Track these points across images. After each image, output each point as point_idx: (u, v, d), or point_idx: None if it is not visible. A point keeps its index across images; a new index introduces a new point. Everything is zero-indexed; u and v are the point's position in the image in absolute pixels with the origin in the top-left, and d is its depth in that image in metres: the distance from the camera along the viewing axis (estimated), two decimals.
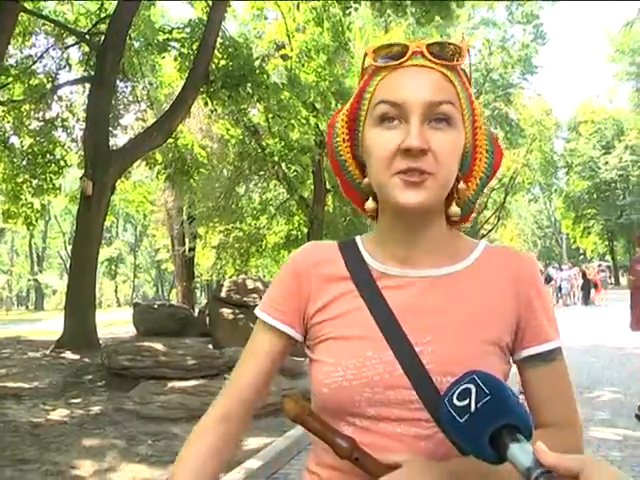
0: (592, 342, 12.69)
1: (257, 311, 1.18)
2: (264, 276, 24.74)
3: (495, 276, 1.07)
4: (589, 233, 52.55)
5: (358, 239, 1.17)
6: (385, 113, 1.00)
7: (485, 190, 1.12)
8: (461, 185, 1.04)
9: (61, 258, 62.53)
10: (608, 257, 53.60)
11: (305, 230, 24.13)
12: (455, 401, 0.83)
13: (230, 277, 22.40)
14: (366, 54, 1.06)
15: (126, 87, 16.63)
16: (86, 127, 12.47)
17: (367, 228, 25.41)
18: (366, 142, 1.04)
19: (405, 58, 0.99)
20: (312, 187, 23.13)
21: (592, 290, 27.74)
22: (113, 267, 59.87)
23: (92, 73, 13.68)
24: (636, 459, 5.23)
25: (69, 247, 61.62)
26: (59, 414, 6.91)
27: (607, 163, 49.00)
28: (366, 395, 1.01)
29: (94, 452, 5.57)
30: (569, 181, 54.16)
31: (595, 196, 50.90)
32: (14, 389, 8.02)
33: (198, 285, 36.32)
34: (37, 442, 5.80)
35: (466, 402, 0.82)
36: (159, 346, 8.80)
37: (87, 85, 14.87)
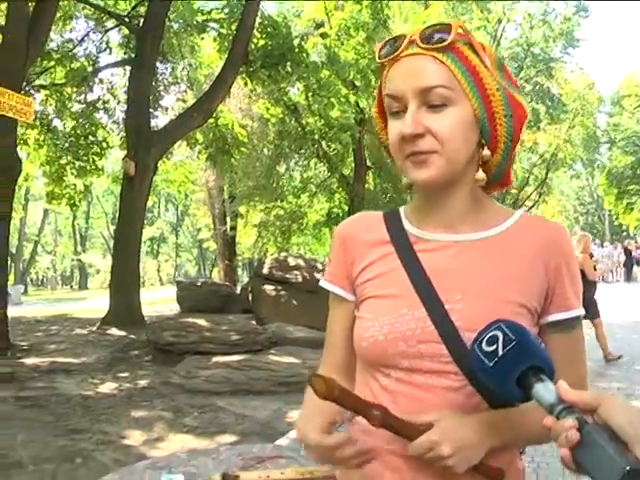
0: (634, 319, 12.54)
1: (321, 281, 1.29)
2: (305, 253, 24.82)
3: (527, 243, 1.12)
4: (632, 209, 51.40)
5: (401, 209, 1.25)
6: (390, 106, 1.09)
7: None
8: (485, 152, 1.10)
9: (104, 238, 63.58)
10: None
11: (346, 208, 24.13)
12: (484, 347, 0.90)
13: (272, 255, 22.63)
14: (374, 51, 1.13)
15: (166, 69, 16.80)
16: (127, 109, 12.68)
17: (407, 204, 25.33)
18: (388, 129, 1.12)
19: (400, 50, 1.06)
20: (353, 165, 23.11)
21: (634, 266, 27.29)
22: (155, 246, 60.70)
23: (132, 56, 13.88)
24: None
25: (112, 227, 62.67)
26: (108, 387, 7.15)
27: None
28: (400, 348, 1.09)
29: (143, 423, 5.77)
30: (612, 157, 52.99)
31: (639, 172, 49.79)
32: (64, 364, 8.30)
33: (239, 263, 36.64)
34: (88, 413, 6.03)
35: (494, 347, 0.89)
36: (203, 322, 8.99)
37: (127, 67, 15.11)
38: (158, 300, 20.19)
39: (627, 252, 27.44)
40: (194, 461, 2.34)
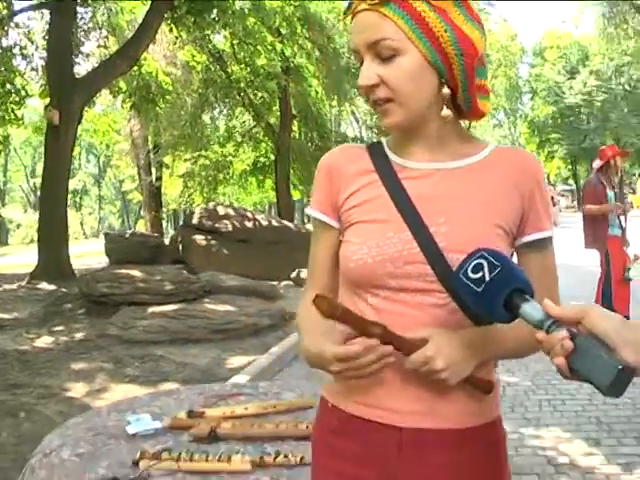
0: (558, 261, 13.05)
1: (307, 209, 1.38)
2: (231, 203, 24.70)
3: (504, 170, 1.21)
4: (553, 157, 53.20)
5: (383, 140, 1.32)
6: (356, 59, 1.21)
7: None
8: (445, 90, 1.18)
9: (23, 192, 61.50)
10: (571, 181, 54.48)
11: (272, 157, 24.06)
12: (470, 274, 1.00)
13: (198, 205, 22.43)
14: None
15: (86, 13, 16.12)
16: (48, 55, 12.18)
17: None
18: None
19: (354, 7, 1.15)
20: (278, 114, 22.97)
21: (555, 212, 28.41)
22: (78, 199, 59.11)
23: None
24: None
25: (31, 180, 60.63)
26: (44, 341, 7.08)
27: (572, 88, 49.24)
28: (388, 269, 1.17)
29: (84, 375, 5.77)
30: (534, 106, 54.40)
31: (559, 121, 51.29)
32: None
33: (164, 215, 36.14)
34: (26, 368, 5.98)
35: (480, 274, 0.99)
36: (136, 273, 8.93)
37: (45, 11, 14.46)
38: (85, 253, 19.85)
39: None
40: (157, 402, 2.41)
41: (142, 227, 48.07)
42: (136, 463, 1.76)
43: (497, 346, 1.20)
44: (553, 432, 4.06)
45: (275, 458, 1.73)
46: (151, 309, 7.92)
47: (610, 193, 6.64)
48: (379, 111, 1.19)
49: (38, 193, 60.74)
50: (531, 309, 0.94)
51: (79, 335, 7.33)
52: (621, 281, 6.43)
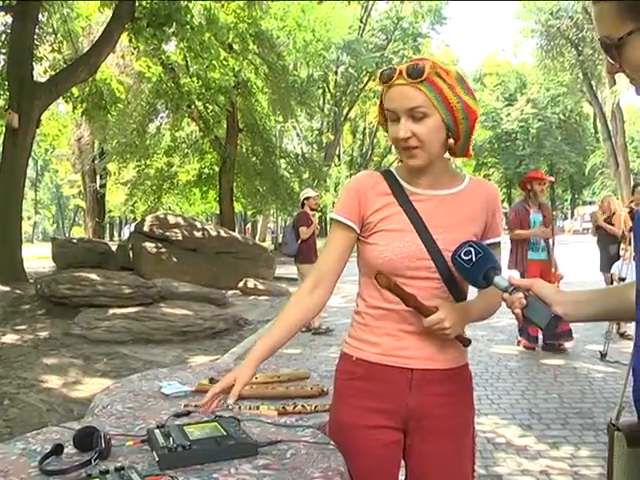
0: None
1: (332, 214, 1.87)
2: (182, 213, 24.84)
3: (477, 195, 1.78)
4: (489, 180, 54.94)
5: (393, 170, 1.86)
6: (390, 115, 1.71)
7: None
8: (450, 141, 1.74)
9: None
10: (505, 204, 56.35)
11: (217, 168, 24.36)
12: (463, 256, 1.56)
13: (143, 214, 22.54)
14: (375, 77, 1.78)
15: (42, 16, 16.23)
16: (9, 59, 12.33)
17: (277, 168, 25.95)
18: (388, 128, 1.75)
19: (394, 79, 1.67)
20: (225, 127, 23.34)
21: None
22: None
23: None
24: (530, 367, 6.32)
25: None
26: (10, 338, 7.33)
27: (509, 115, 51.39)
28: (405, 263, 1.72)
29: (57, 369, 6.10)
30: None
31: (496, 146, 53.41)
32: None
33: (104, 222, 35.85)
34: (0, 362, 6.25)
35: (469, 257, 1.55)
36: (95, 276, 9.21)
37: (1, 13, 14.53)
38: (29, 257, 19.66)
39: None
40: (176, 375, 2.85)
41: (78, 233, 47.41)
42: (186, 413, 2.19)
43: (476, 313, 1.79)
44: (491, 420, 4.65)
45: (294, 407, 2.22)
46: (112, 311, 8.25)
47: (534, 217, 7.08)
48: (408, 155, 1.70)
49: None
50: (500, 280, 1.50)
51: (44, 334, 7.60)
52: None
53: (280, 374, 2.74)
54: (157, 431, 1.68)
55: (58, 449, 1.63)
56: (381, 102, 1.76)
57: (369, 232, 1.78)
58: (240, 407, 2.25)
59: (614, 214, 8.64)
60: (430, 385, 1.74)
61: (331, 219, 1.87)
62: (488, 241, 1.78)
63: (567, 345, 6.93)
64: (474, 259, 1.53)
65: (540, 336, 7.06)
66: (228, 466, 1.53)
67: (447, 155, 1.79)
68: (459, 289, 1.75)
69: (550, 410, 4.86)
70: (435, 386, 1.74)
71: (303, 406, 2.23)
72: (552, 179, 9.29)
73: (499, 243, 1.84)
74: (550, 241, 7.10)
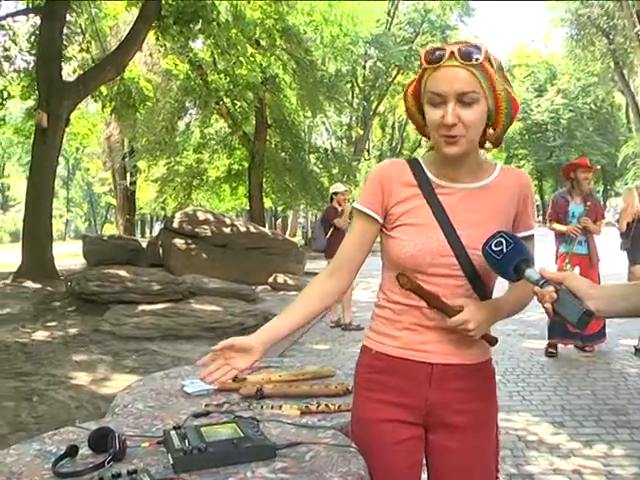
0: None
1: (354, 204, 1.80)
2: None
3: (507, 187, 1.68)
4: None
5: (420, 159, 1.77)
6: (433, 98, 1.59)
7: None
8: (490, 131, 1.66)
9: None
10: (537, 196, 55.79)
11: (246, 164, 24.44)
12: (493, 247, 1.48)
13: (172, 210, 22.69)
14: (420, 56, 1.63)
15: (70, 17, 16.38)
16: (37, 59, 12.46)
17: (306, 164, 25.93)
18: (426, 112, 1.63)
19: (444, 60, 1.55)
20: (254, 123, 23.38)
21: None
22: None
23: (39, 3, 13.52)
24: (562, 362, 6.20)
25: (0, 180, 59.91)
26: (41, 335, 7.39)
27: (539, 106, 50.67)
28: (427, 260, 1.64)
29: (85, 366, 6.12)
30: None
31: (527, 137, 52.73)
32: None
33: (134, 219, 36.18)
34: (30, 358, 6.31)
35: (500, 248, 1.46)
36: (124, 273, 9.26)
37: (31, 14, 14.70)
38: (60, 254, 19.92)
39: None
40: (198, 372, 2.81)
41: (110, 230, 47.91)
42: (205, 414, 2.15)
43: (505, 311, 1.70)
44: (523, 417, 4.55)
45: (317, 407, 2.16)
46: (141, 307, 8.28)
47: (574, 208, 6.51)
48: (450, 142, 1.58)
49: (7, 193, 60.32)
50: (532, 272, 1.42)
51: (73, 330, 7.66)
52: None
53: (305, 372, 2.69)
54: (173, 432, 1.64)
55: (73, 450, 1.60)
56: (417, 85, 1.66)
57: (392, 225, 1.71)
58: (262, 406, 2.21)
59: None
60: (450, 380, 1.67)
61: (353, 208, 1.80)
62: (519, 235, 1.66)
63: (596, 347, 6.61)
64: (505, 250, 1.45)
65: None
66: (245, 469, 1.48)
67: (488, 145, 1.72)
68: (484, 287, 1.67)
69: (583, 407, 4.75)
70: (456, 381, 1.67)
71: (327, 405, 2.17)
72: (598, 167, 8.82)
73: (532, 236, 1.74)
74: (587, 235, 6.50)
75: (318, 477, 1.43)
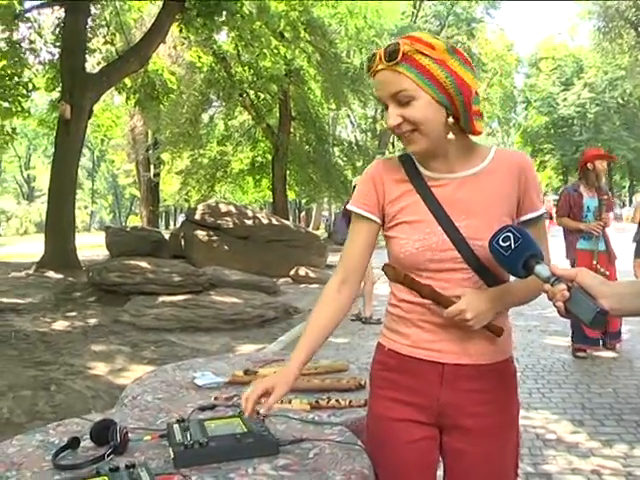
0: None
1: (349, 206, 1.76)
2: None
3: (503, 169, 1.61)
4: (545, 167, 53.89)
5: (412, 155, 1.71)
6: (380, 103, 1.60)
7: None
8: (449, 120, 1.57)
9: (17, 183, 61.46)
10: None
11: (269, 157, 24.45)
12: (501, 243, 1.41)
13: (195, 202, 22.77)
14: None
15: (95, 9, 16.46)
16: (62, 51, 12.52)
17: (330, 156, 25.87)
18: None
19: (375, 66, 1.54)
20: (278, 115, 23.36)
21: (547, 221, 28.93)
22: None
23: None
24: (583, 360, 6.09)
25: (25, 172, 60.59)
26: (61, 325, 7.44)
27: (565, 100, 49.96)
28: (428, 256, 1.60)
29: (104, 356, 6.14)
30: (527, 116, 55.07)
31: (552, 131, 52.06)
32: (10, 304, 8.48)
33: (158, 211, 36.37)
34: (49, 348, 6.35)
35: (508, 243, 1.40)
36: (145, 264, 9.29)
37: (55, 7, 14.77)
38: (83, 245, 20.10)
39: None
40: (211, 365, 2.79)
41: (134, 222, 48.27)
42: (211, 407, 2.13)
43: (511, 299, 1.64)
44: (542, 414, 4.48)
45: (328, 402, 2.12)
46: (161, 298, 8.30)
47: (589, 201, 6.15)
48: (406, 141, 1.58)
49: (32, 184, 60.99)
50: (541, 269, 1.35)
51: (93, 321, 7.70)
52: None
53: (318, 365, 2.65)
54: (176, 426, 1.62)
55: (74, 443, 1.58)
56: None
57: (389, 224, 1.68)
58: None
59: None
60: (462, 381, 1.61)
61: (349, 211, 1.76)
62: (525, 217, 1.62)
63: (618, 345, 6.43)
64: (513, 246, 1.38)
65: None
66: (246, 465, 1.45)
67: (450, 136, 1.61)
68: (493, 276, 1.60)
69: (604, 405, 4.65)
70: (468, 382, 1.61)
71: (337, 401, 2.14)
72: (615, 157, 8.65)
73: (539, 217, 1.65)
74: (605, 230, 6.15)
75: (320, 475, 1.40)
